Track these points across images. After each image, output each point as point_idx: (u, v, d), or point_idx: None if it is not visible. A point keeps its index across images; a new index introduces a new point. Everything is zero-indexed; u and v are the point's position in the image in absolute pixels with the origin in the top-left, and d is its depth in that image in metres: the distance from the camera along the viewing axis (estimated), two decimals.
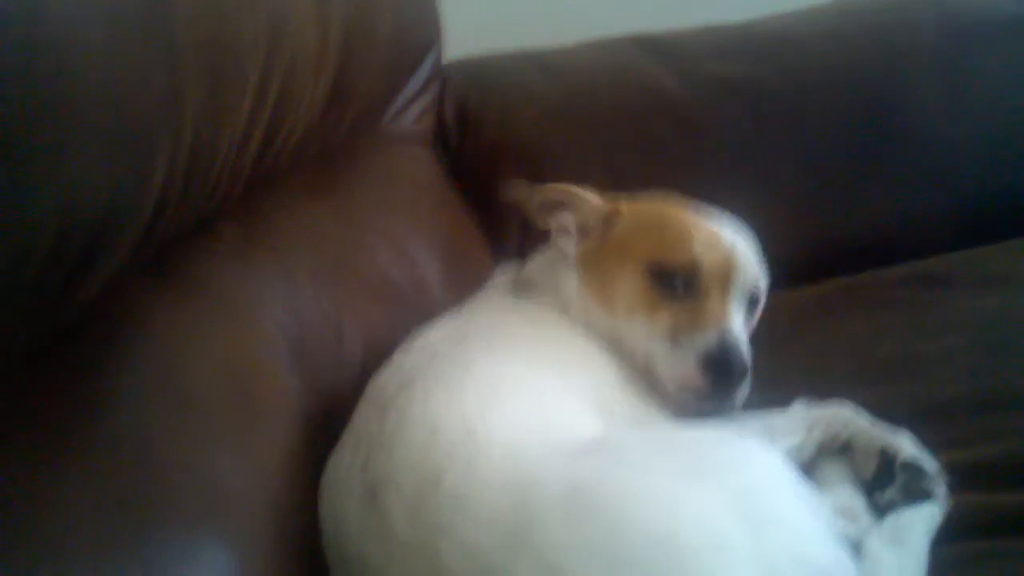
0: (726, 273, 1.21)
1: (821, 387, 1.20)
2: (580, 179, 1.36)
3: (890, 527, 1.00)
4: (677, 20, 2.00)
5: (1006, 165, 1.80)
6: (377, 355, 1.17)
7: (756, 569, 0.81)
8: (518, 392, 1.05)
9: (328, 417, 1.08)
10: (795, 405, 1.21)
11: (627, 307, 1.22)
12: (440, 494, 0.88)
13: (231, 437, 0.93)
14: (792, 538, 0.86)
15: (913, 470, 1.06)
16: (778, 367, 1.25)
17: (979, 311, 1.44)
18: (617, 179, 1.42)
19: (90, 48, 0.77)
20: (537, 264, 1.37)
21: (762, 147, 1.81)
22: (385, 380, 1.09)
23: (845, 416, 1.16)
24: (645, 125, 1.86)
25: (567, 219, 1.31)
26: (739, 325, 1.21)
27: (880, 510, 1.05)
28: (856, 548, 0.95)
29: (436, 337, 1.18)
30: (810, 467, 1.11)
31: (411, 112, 1.80)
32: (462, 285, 1.43)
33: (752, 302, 1.26)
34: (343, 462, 1.00)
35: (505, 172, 1.78)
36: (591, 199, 1.32)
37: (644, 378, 1.20)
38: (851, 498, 1.07)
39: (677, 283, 1.20)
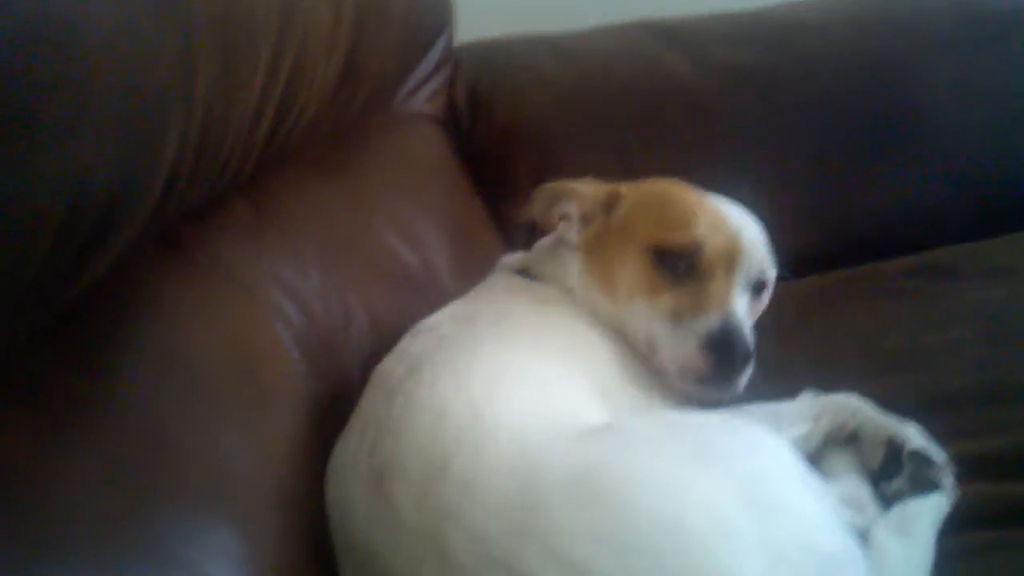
0: (730, 255, 1.19)
1: (827, 378, 1.20)
2: (590, 163, 1.36)
3: (897, 517, 1.00)
4: (689, 6, 1.99)
5: (1015, 157, 1.79)
6: (384, 339, 1.16)
7: (763, 556, 0.81)
8: (524, 379, 1.04)
9: (335, 400, 1.08)
10: (802, 395, 1.21)
11: (629, 290, 1.20)
12: (447, 479, 0.88)
13: (237, 418, 0.93)
14: (799, 525, 0.85)
15: (921, 460, 1.06)
16: (784, 357, 1.25)
17: (986, 302, 1.43)
18: (627, 164, 1.42)
19: (102, 23, 0.76)
20: (543, 250, 1.35)
21: (772, 134, 1.81)
22: (392, 365, 1.09)
23: (852, 406, 1.15)
24: (656, 110, 1.85)
25: (569, 207, 1.30)
26: (743, 309, 1.19)
27: (887, 500, 1.04)
28: (863, 537, 0.94)
29: (443, 322, 1.18)
30: (817, 457, 1.11)
31: (422, 93, 1.80)
32: (470, 269, 1.42)
33: (758, 288, 1.23)
34: (350, 447, 1.00)
35: (515, 155, 1.79)
36: (588, 187, 1.30)
37: (647, 366, 1.18)
38: (858, 488, 1.06)
39: (679, 265, 1.17)
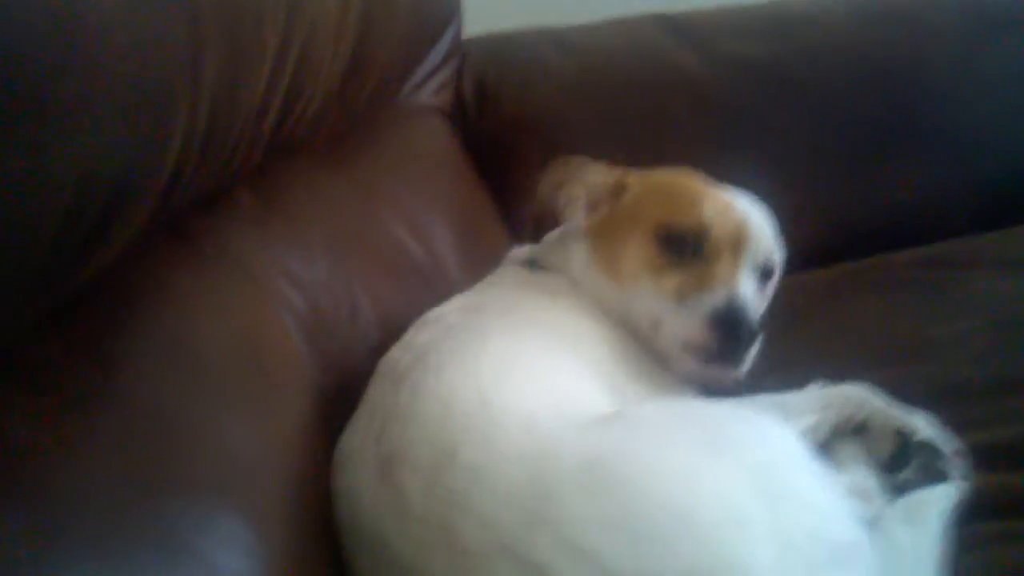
0: (737, 238, 1.19)
1: (835, 368, 1.20)
2: (596, 156, 1.35)
3: (906, 506, 1.00)
4: (696, 0, 1.99)
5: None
6: (391, 329, 1.16)
7: (773, 544, 0.80)
8: (532, 368, 1.04)
9: (341, 391, 1.08)
10: (810, 386, 1.20)
11: (635, 273, 1.20)
12: (456, 467, 0.87)
13: (245, 407, 0.93)
14: (809, 515, 0.85)
15: (930, 450, 1.06)
16: (792, 348, 1.25)
17: (994, 294, 1.43)
18: (633, 156, 1.41)
19: (108, 8, 0.76)
20: (551, 240, 1.35)
21: (779, 127, 1.81)
22: (399, 354, 1.09)
23: (861, 396, 1.15)
24: (662, 103, 1.85)
25: (577, 191, 1.30)
26: (749, 290, 1.18)
27: (895, 491, 1.04)
28: (871, 528, 0.94)
29: (450, 313, 1.18)
30: (825, 448, 1.11)
31: (430, 86, 1.80)
32: (477, 261, 1.42)
33: (765, 275, 1.23)
34: (357, 435, 1.00)
35: (522, 148, 1.79)
36: (597, 169, 1.30)
37: (655, 358, 1.18)
38: (866, 478, 1.06)
39: (686, 246, 1.18)
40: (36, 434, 0.74)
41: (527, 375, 1.02)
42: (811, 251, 1.34)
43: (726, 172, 1.32)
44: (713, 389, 1.16)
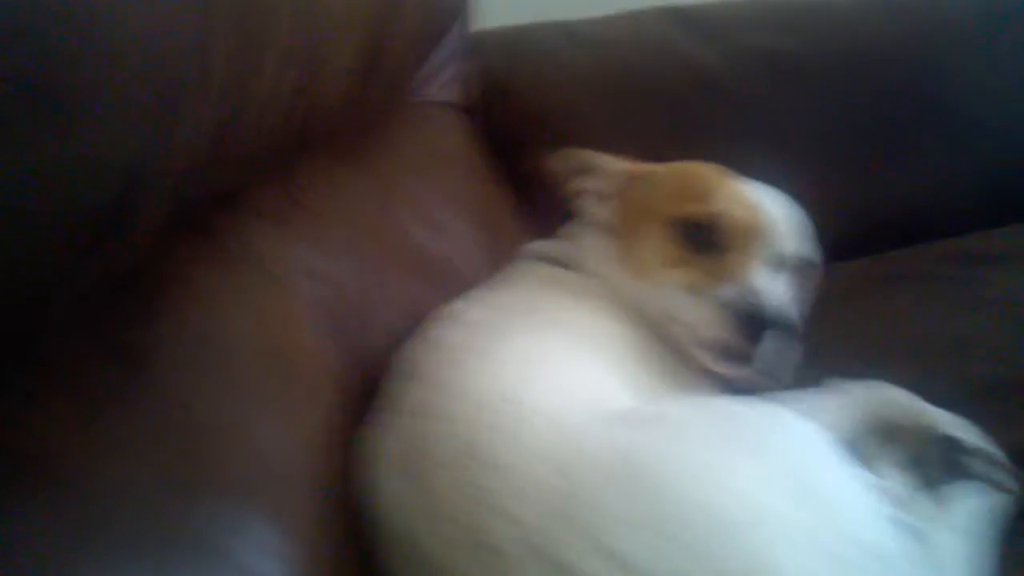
0: (750, 227, 1.16)
1: (861, 365, 1.19)
2: (610, 150, 1.35)
3: (956, 513, 0.99)
4: None
5: None
6: (413, 326, 1.16)
7: (807, 546, 0.79)
8: (557, 366, 1.03)
9: (366, 388, 1.07)
10: (836, 384, 1.19)
11: (650, 266, 1.19)
12: (481, 466, 0.86)
13: (273, 406, 0.93)
14: (843, 516, 0.84)
15: (959, 448, 1.05)
16: (817, 345, 1.22)
17: (1020, 288, 1.42)
18: (647, 150, 1.40)
19: None
20: (567, 235, 1.35)
21: (797, 120, 1.80)
22: (415, 350, 1.08)
23: (888, 394, 1.14)
24: (677, 96, 1.85)
25: (592, 184, 1.29)
26: (767, 282, 1.14)
27: (924, 490, 1.03)
28: (910, 531, 0.92)
29: (467, 309, 1.17)
30: (854, 447, 1.09)
31: (441, 80, 1.79)
32: (495, 256, 1.42)
33: (798, 272, 1.21)
34: (375, 431, 0.99)
35: (535, 142, 1.77)
36: (613, 163, 1.29)
37: (672, 352, 1.16)
38: (895, 478, 1.05)
39: (701, 238, 1.16)
40: (66, 433, 0.74)
41: (553, 373, 1.01)
42: (831, 246, 1.32)
43: (741, 166, 1.30)
44: (739, 388, 1.13)
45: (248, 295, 1.00)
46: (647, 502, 0.80)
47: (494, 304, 1.18)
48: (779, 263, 1.18)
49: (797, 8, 1.94)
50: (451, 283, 1.31)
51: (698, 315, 1.12)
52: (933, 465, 1.06)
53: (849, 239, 1.64)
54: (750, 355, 1.10)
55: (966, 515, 0.98)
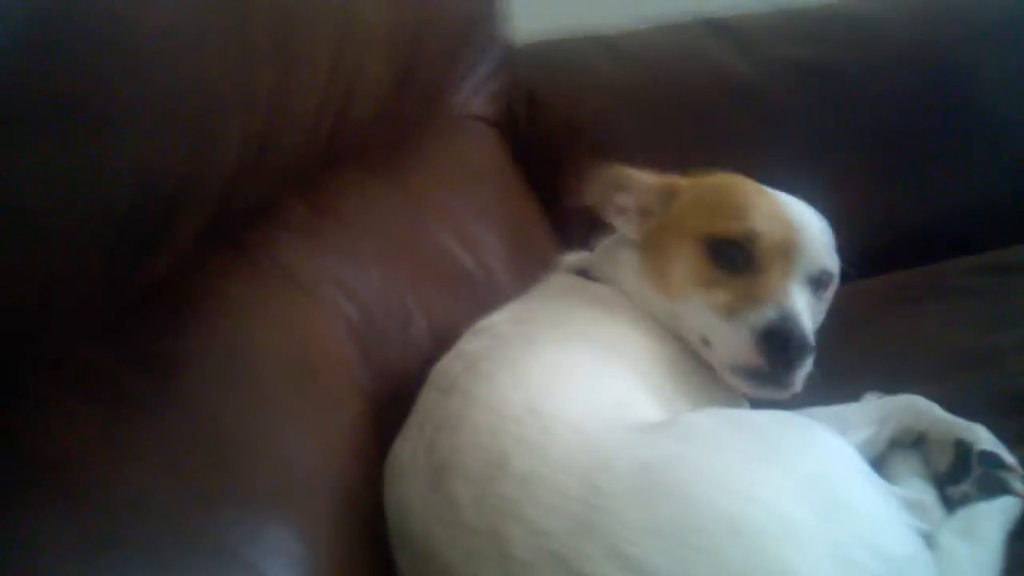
0: (787, 247, 1.14)
1: (892, 379, 1.19)
2: (648, 164, 1.33)
3: (964, 519, 0.98)
4: (749, 2, 1.98)
5: None
6: (442, 339, 1.16)
7: (828, 556, 0.79)
8: (583, 379, 1.03)
9: (394, 399, 1.08)
10: (867, 397, 1.19)
11: (683, 285, 1.17)
12: (507, 476, 0.86)
13: (299, 417, 0.94)
14: (866, 527, 0.83)
15: (991, 462, 1.04)
16: (849, 359, 1.22)
17: None
18: (685, 163, 1.40)
19: (162, 16, 0.78)
20: (601, 249, 1.33)
21: (834, 132, 1.79)
22: (450, 364, 1.08)
23: (919, 407, 1.13)
24: (713, 107, 1.85)
25: (626, 200, 1.27)
26: (802, 303, 1.13)
27: (954, 505, 1.02)
28: (929, 541, 0.92)
29: (502, 322, 1.17)
30: (882, 460, 1.09)
31: (479, 96, 1.80)
32: (527, 271, 1.41)
33: (820, 285, 1.18)
34: (408, 445, 1.00)
35: (573, 156, 1.78)
36: (647, 178, 1.28)
37: (703, 367, 1.16)
38: (923, 491, 1.04)
39: (735, 257, 1.14)
40: (90, 441, 0.75)
41: (578, 386, 1.00)
42: (865, 259, 1.31)
43: (778, 178, 1.29)
44: (767, 402, 1.13)
45: (276, 307, 1.01)
46: (669, 513, 0.80)
47: (526, 317, 1.18)
48: (807, 280, 1.16)
49: (836, 20, 1.93)
50: (483, 296, 1.32)
51: (731, 340, 1.10)
52: (954, 473, 1.05)
53: (883, 252, 1.62)
54: (782, 381, 1.09)
55: (983, 521, 0.98)
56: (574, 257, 1.37)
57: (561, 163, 1.79)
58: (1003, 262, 1.55)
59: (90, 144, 0.72)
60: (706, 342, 1.14)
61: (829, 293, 1.22)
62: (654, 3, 1.99)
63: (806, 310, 1.14)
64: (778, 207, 1.18)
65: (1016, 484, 1.02)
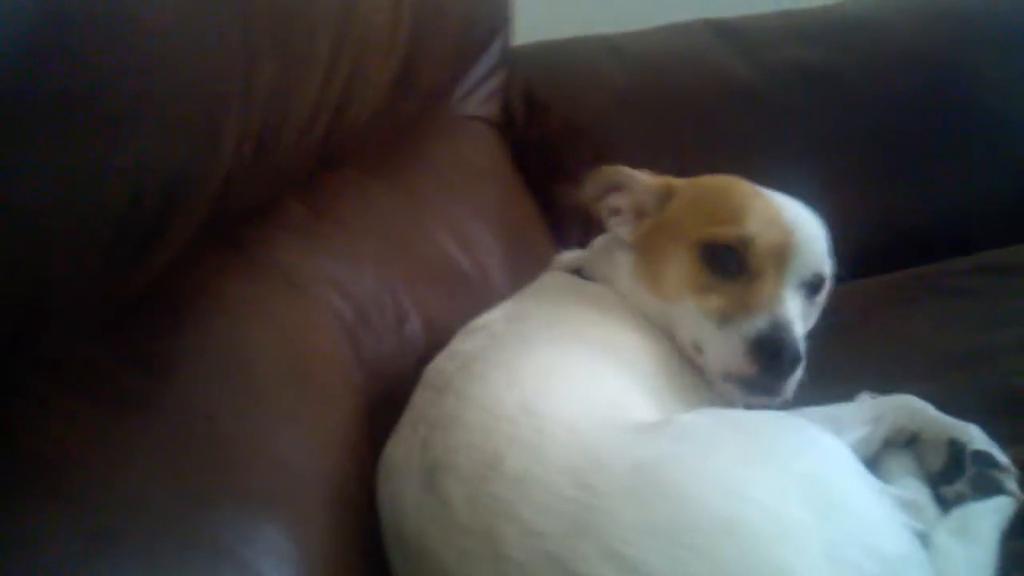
0: (782, 252, 1.13)
1: (886, 379, 1.18)
2: (647, 165, 1.33)
3: (959, 519, 0.99)
4: (751, 4, 1.98)
5: None
6: (438, 338, 1.16)
7: (823, 556, 0.79)
8: (577, 379, 1.03)
9: (389, 398, 1.08)
10: (860, 396, 1.19)
11: (677, 289, 1.16)
12: (500, 476, 0.86)
13: (293, 417, 0.94)
14: (860, 527, 0.84)
15: (984, 462, 1.04)
16: (843, 358, 1.22)
17: None
18: (684, 164, 1.40)
19: (164, 14, 0.78)
20: (596, 249, 1.33)
21: (834, 133, 1.80)
22: (444, 363, 1.08)
23: (912, 407, 1.13)
24: (714, 109, 1.85)
25: (621, 200, 1.27)
26: (795, 310, 1.13)
27: (948, 504, 1.02)
28: (923, 541, 0.92)
29: (495, 322, 1.17)
30: (875, 459, 1.09)
31: (478, 96, 1.81)
32: (524, 270, 1.41)
33: (813, 289, 1.18)
34: (401, 444, 1.00)
35: (572, 157, 1.78)
36: (643, 178, 1.27)
37: (695, 370, 1.15)
38: (917, 491, 1.05)
39: (729, 262, 1.13)
40: (88, 440, 0.75)
41: (572, 386, 1.00)
42: (863, 259, 1.31)
43: (777, 179, 1.29)
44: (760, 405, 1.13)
45: (272, 306, 1.01)
46: (663, 513, 0.80)
47: (521, 316, 1.18)
48: (801, 285, 1.16)
49: (838, 22, 1.94)
50: (479, 295, 1.33)
51: (723, 349, 1.10)
52: (948, 472, 1.06)
53: (881, 252, 1.64)
54: (775, 389, 1.09)
55: (977, 520, 0.98)
56: (569, 255, 1.37)
57: (560, 164, 1.80)
58: (999, 262, 1.55)
59: (89, 143, 0.72)
60: (698, 348, 1.14)
61: (823, 296, 1.21)
62: (655, 4, 2.00)
63: (799, 317, 1.13)
64: (773, 210, 1.17)
65: (1010, 484, 1.02)
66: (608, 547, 0.78)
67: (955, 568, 0.92)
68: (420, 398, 1.04)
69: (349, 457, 0.98)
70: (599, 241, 1.34)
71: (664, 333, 1.18)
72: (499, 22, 1.86)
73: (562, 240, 1.65)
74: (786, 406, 1.10)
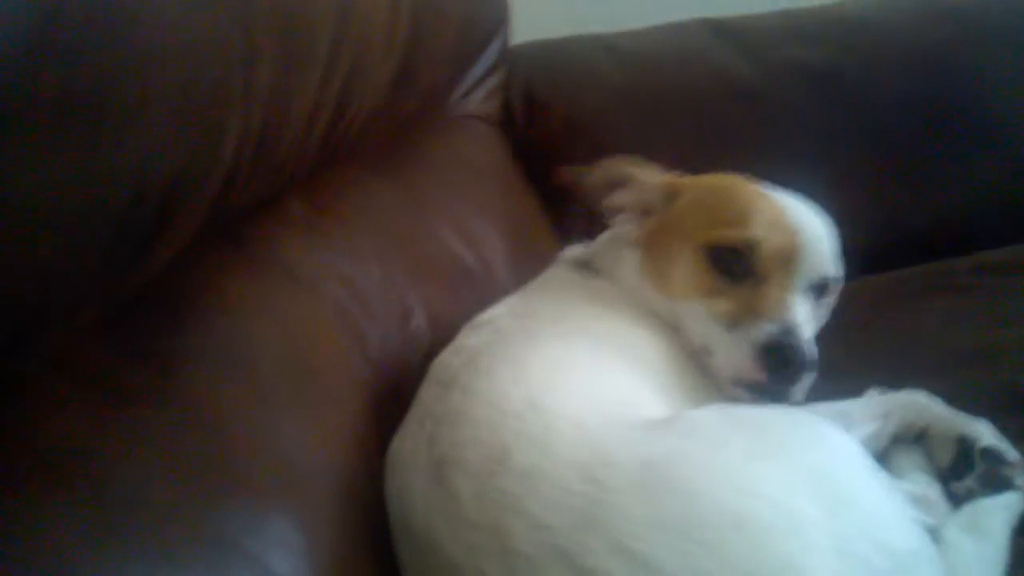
0: (789, 255, 1.12)
1: (895, 375, 1.18)
2: (643, 161, 1.32)
3: (969, 514, 0.98)
4: (750, 4, 1.98)
5: None
6: (443, 333, 1.16)
7: (832, 551, 0.78)
8: (584, 373, 1.02)
9: (394, 395, 1.08)
10: (869, 393, 1.18)
11: (684, 290, 1.15)
12: (508, 471, 0.86)
13: (298, 412, 0.94)
14: (870, 521, 0.83)
15: (993, 458, 1.04)
16: (852, 356, 1.21)
17: None
18: (685, 165, 1.40)
19: (164, 12, 0.78)
20: (601, 245, 1.32)
21: (836, 134, 1.80)
22: (450, 358, 1.08)
23: (921, 403, 1.13)
24: (715, 110, 1.85)
25: (625, 198, 1.26)
26: (804, 313, 1.12)
27: (957, 500, 1.02)
28: (933, 536, 0.92)
29: (500, 317, 1.16)
30: (884, 456, 1.09)
31: (478, 94, 1.80)
32: (527, 267, 1.40)
33: (822, 291, 1.17)
34: (408, 439, 0.99)
35: (571, 155, 1.74)
36: (649, 176, 1.26)
37: (702, 366, 1.14)
38: (927, 486, 1.04)
39: (735, 265, 1.12)
40: (92, 435, 0.75)
41: (579, 381, 1.00)
42: (868, 257, 1.31)
43: (778, 178, 1.28)
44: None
45: (274, 302, 1.01)
46: (672, 507, 0.80)
47: (527, 312, 1.17)
48: (809, 287, 1.14)
49: (837, 21, 1.94)
50: (483, 290, 1.32)
51: (733, 354, 1.09)
52: (957, 468, 1.05)
53: (886, 251, 1.64)
54: (784, 395, 1.08)
55: (988, 516, 0.97)
56: (575, 250, 1.36)
57: (560, 162, 1.77)
58: (1003, 261, 1.55)
59: (89, 142, 0.72)
60: (708, 351, 1.13)
61: (832, 298, 1.20)
62: (653, 3, 1.99)
63: (808, 321, 1.13)
64: (779, 212, 1.16)
65: (1020, 480, 1.02)
66: (617, 541, 0.78)
67: (965, 564, 0.92)
68: (426, 393, 1.04)
69: (356, 452, 0.97)
70: (605, 236, 1.33)
71: (671, 329, 1.17)
72: (498, 21, 1.86)
73: (565, 237, 1.64)
74: (795, 402, 1.09)
